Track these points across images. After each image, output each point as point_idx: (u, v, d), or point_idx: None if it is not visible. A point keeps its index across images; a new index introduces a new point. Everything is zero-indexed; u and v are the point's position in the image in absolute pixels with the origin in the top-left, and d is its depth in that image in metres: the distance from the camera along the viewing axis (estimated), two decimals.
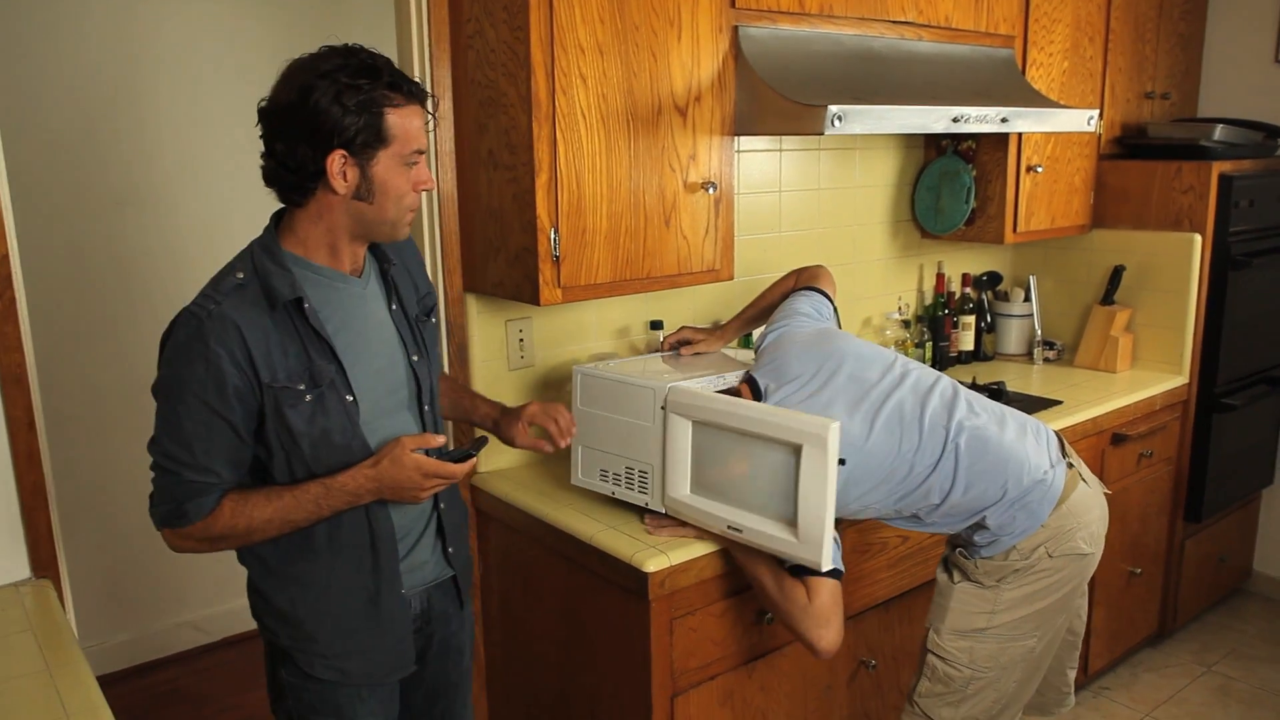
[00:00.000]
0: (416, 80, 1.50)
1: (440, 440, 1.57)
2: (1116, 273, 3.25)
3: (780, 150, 2.82)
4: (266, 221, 1.57)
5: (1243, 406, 3.31)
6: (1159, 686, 3.23)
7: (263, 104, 1.45)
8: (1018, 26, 2.89)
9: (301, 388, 1.47)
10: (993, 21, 2.81)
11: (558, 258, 2.05)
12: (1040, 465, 1.93)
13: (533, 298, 2.07)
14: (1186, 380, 3.21)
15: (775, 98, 2.18)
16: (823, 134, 2.07)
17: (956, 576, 2.01)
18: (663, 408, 1.95)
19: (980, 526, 1.94)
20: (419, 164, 1.51)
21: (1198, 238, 3.11)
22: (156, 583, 3.44)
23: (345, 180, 1.44)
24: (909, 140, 3.18)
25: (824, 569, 1.77)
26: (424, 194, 1.73)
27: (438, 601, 1.76)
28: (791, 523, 1.78)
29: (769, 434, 1.78)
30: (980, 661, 1.98)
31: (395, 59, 2.18)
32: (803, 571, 1.83)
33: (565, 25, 1.97)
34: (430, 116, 1.54)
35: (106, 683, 2.77)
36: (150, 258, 3.30)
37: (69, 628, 1.78)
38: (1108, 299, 3.27)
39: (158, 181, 3.29)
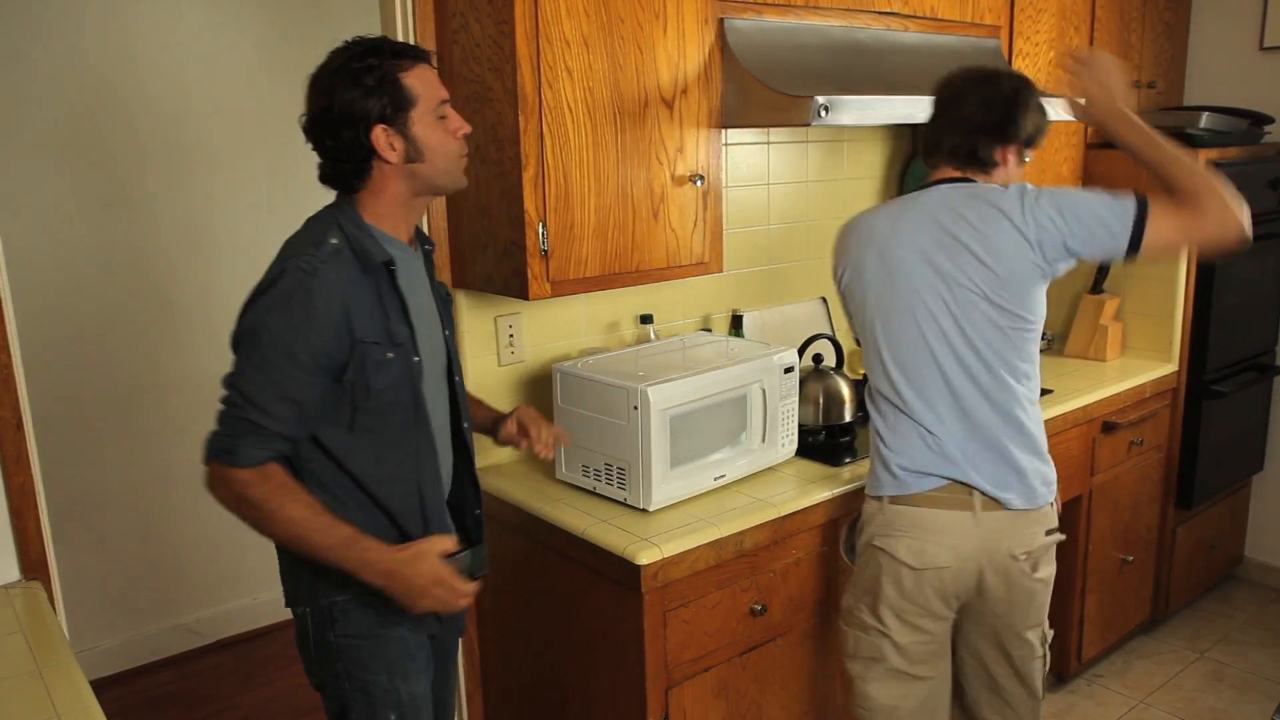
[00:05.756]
0: (414, 44, 1.64)
1: (451, 543, 1.60)
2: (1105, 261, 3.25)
3: (768, 143, 2.82)
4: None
5: (1232, 393, 3.33)
6: (1152, 673, 3.24)
7: (302, 120, 1.58)
8: (1003, 17, 2.90)
9: (383, 344, 1.56)
10: (978, 12, 2.82)
11: (546, 252, 2.05)
12: None
13: (521, 292, 2.06)
14: (1176, 368, 3.22)
15: (762, 89, 2.18)
16: (809, 125, 2.08)
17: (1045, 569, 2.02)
18: (635, 407, 1.99)
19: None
20: (449, 114, 1.61)
21: None
22: (149, 586, 3.43)
23: (394, 149, 1.56)
24: (896, 131, 3.18)
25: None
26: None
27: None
28: (761, 438, 2.22)
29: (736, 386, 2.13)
30: None
31: None
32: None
33: (550, 19, 1.97)
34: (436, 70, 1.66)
35: (100, 687, 2.76)
36: (137, 259, 3.28)
37: (60, 629, 1.77)
38: (1097, 288, 3.28)
39: (145, 183, 3.28)
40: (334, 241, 1.54)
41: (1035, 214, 1.81)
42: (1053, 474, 2.01)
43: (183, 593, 3.51)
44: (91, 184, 3.18)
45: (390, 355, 1.57)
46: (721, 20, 2.24)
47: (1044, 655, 2.12)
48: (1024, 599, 2.01)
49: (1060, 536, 2.03)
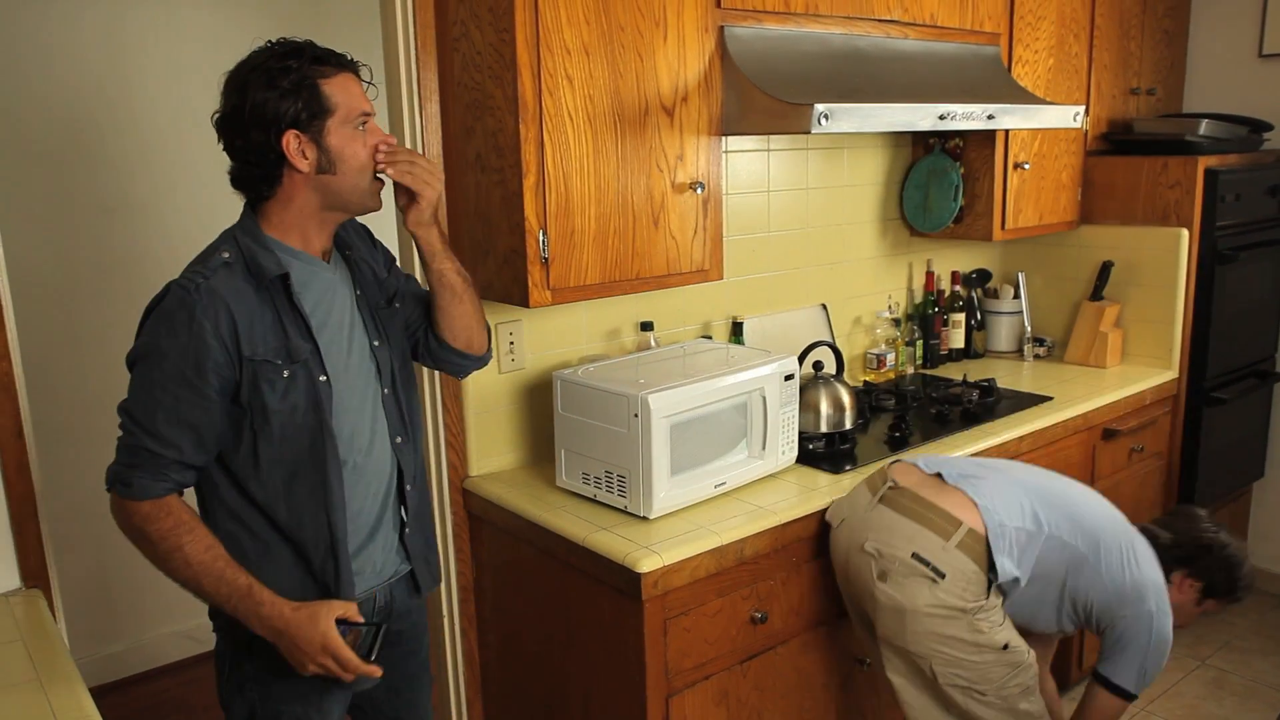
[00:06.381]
0: (343, 53, 1.55)
1: (354, 612, 1.53)
2: (1105, 268, 3.26)
3: (768, 150, 2.82)
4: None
5: (1232, 400, 3.32)
6: (1153, 680, 3.23)
7: (215, 115, 1.53)
8: (1003, 24, 2.90)
9: (279, 363, 1.49)
10: (978, 19, 2.82)
11: (546, 260, 2.05)
12: None
13: (522, 300, 2.06)
14: (1176, 375, 3.22)
15: (762, 97, 2.18)
16: (809, 133, 2.08)
17: None
18: (636, 415, 1.99)
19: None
20: (371, 128, 1.54)
21: (1185, 232, 3.13)
22: (148, 593, 3.42)
23: (305, 157, 1.50)
24: (897, 139, 3.18)
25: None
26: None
27: (400, 596, 1.76)
28: (761, 445, 2.25)
29: (737, 393, 2.17)
30: None
31: (381, 62, 2.20)
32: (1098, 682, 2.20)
33: (551, 27, 1.97)
34: (367, 84, 1.58)
35: (99, 694, 2.75)
36: (138, 264, 3.28)
37: (60, 637, 1.77)
38: (1097, 295, 3.28)
39: (145, 188, 3.28)
40: (225, 256, 1.50)
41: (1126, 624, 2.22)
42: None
43: (182, 600, 3.46)
44: (91, 188, 3.18)
45: (286, 374, 1.49)
46: (722, 28, 2.25)
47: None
48: (870, 602, 2.03)
49: (930, 575, 1.94)
